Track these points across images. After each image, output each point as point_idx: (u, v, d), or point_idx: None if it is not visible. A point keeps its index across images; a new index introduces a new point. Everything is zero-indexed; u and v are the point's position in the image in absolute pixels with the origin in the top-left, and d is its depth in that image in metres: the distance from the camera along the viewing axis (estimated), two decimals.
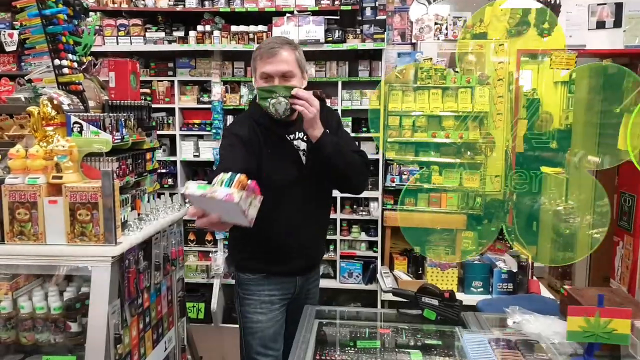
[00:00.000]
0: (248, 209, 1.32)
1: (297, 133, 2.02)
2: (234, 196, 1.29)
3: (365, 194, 4.45)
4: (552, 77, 4.33)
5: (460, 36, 4.51)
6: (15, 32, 4.35)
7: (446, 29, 4.71)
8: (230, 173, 1.36)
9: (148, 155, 2.33)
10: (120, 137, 1.96)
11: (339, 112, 4.42)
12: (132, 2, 4.34)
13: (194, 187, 1.35)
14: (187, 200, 1.51)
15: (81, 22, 2.28)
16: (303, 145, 2.01)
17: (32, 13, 2.05)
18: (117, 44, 4.29)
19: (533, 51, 4.39)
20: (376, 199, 4.48)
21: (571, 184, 4.08)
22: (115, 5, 4.32)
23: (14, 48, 4.46)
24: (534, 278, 4.10)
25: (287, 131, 2.01)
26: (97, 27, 4.29)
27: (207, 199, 1.32)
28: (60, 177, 1.72)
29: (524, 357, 1.57)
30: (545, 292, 3.95)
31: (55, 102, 1.89)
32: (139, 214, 2.05)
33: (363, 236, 4.50)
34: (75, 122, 1.83)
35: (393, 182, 4.44)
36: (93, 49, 2.33)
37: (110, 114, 1.92)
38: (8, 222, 1.73)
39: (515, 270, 4.00)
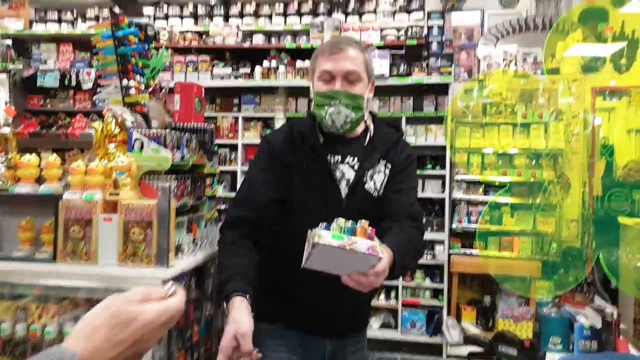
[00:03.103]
0: None
1: (347, 156, 1.57)
2: (377, 249, 1.14)
3: (430, 236, 4.19)
4: (625, 124, 3.97)
5: (531, 72, 4.30)
6: (93, 70, 4.60)
7: (515, 64, 4.50)
8: (350, 222, 1.18)
9: (208, 180, 2.25)
10: (180, 157, 1.89)
11: None
12: (201, 39, 4.48)
13: (328, 237, 1.13)
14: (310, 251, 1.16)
15: (150, 47, 2.30)
16: (350, 174, 1.55)
17: (106, 35, 2.07)
18: (185, 79, 4.42)
19: (610, 88, 4.08)
20: (442, 242, 4.20)
21: None
22: (186, 43, 4.48)
23: (90, 86, 4.70)
24: (621, 338, 3.63)
25: (333, 150, 1.57)
26: (167, 64, 4.45)
27: (341, 250, 1.12)
28: (117, 194, 1.65)
29: None
30: (635, 353, 3.46)
31: (119, 119, 1.86)
32: (194, 239, 1.94)
33: (427, 282, 4.20)
34: (137, 139, 1.78)
35: (461, 222, 4.15)
36: (163, 83, 2.33)
37: (172, 132, 1.87)
38: (62, 240, 1.67)
39: (599, 326, 3.55)
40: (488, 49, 4.46)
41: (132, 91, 2.07)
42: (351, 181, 1.55)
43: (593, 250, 3.78)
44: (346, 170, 1.56)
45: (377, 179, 1.57)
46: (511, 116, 4.14)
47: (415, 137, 4.29)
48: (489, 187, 4.17)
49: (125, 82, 2.04)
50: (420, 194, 4.32)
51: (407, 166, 1.62)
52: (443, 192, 4.27)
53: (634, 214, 3.67)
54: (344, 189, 1.55)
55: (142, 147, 1.78)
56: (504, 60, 4.47)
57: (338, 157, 1.57)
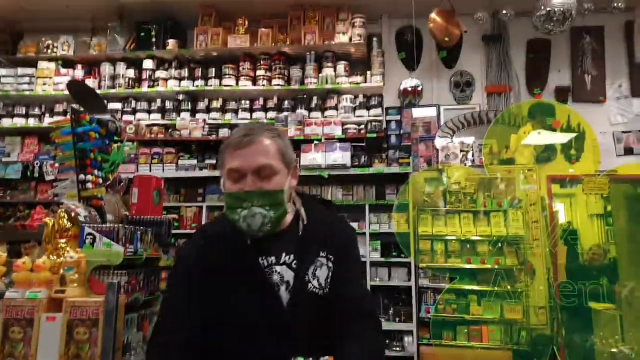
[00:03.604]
0: None
1: (282, 254, 1.36)
2: None
3: (397, 326, 4.11)
4: (585, 209, 4.18)
5: (486, 161, 4.51)
6: (56, 163, 4.59)
7: (472, 155, 4.73)
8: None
9: (163, 274, 2.19)
10: (133, 251, 1.86)
11: (367, 235, 4.28)
12: (167, 132, 4.59)
13: None
14: None
15: (111, 142, 2.34)
16: (289, 275, 1.34)
17: (66, 131, 2.11)
18: (150, 170, 4.45)
19: (563, 176, 4.32)
20: (410, 332, 4.10)
21: (626, 320, 3.70)
22: (152, 135, 4.57)
23: (52, 177, 4.68)
24: None
25: (264, 250, 1.35)
26: (132, 156, 4.50)
27: None
28: (63, 291, 1.59)
29: None
30: None
31: (72, 214, 1.84)
32: (144, 337, 1.85)
33: None
34: (89, 234, 1.75)
35: (428, 312, 4.10)
36: (126, 175, 2.35)
37: (126, 226, 1.85)
38: (0, 341, 1.57)
39: None
40: (445, 140, 4.70)
41: (89, 185, 2.07)
42: (291, 284, 1.33)
43: (563, 338, 3.76)
44: (284, 272, 1.34)
45: (320, 275, 1.35)
46: (470, 204, 4.27)
47: (379, 224, 4.35)
48: (453, 274, 4.18)
49: (82, 176, 2.05)
50: (386, 282, 4.30)
51: (350, 250, 1.43)
52: (409, 279, 4.25)
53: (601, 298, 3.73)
54: (284, 295, 1.32)
55: (93, 242, 1.75)
56: (461, 151, 4.71)
57: (272, 258, 1.35)
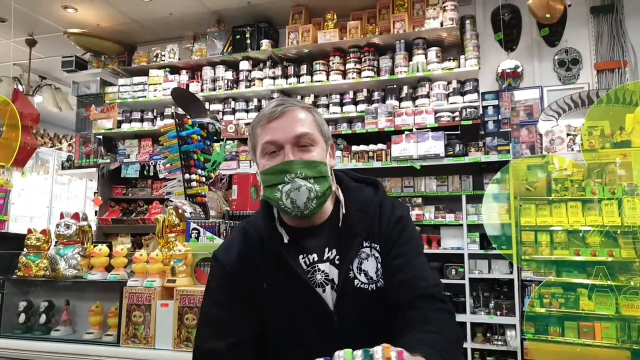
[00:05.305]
0: None
1: (324, 250, 1.22)
2: None
3: (499, 320, 3.96)
4: None
5: (598, 146, 4.15)
6: (166, 164, 5.03)
7: (580, 139, 4.37)
8: (360, 352, 0.82)
9: None
10: None
11: (464, 227, 4.15)
12: None
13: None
14: None
15: (212, 143, 2.53)
16: (333, 273, 1.20)
17: (172, 135, 2.33)
18: (250, 167, 4.70)
19: None
20: (513, 326, 3.93)
21: None
22: None
23: (164, 176, 5.12)
24: None
25: (304, 248, 1.22)
26: (233, 153, 4.78)
27: None
28: (174, 281, 1.78)
29: None
30: None
31: (180, 211, 2.03)
32: None
33: None
34: (194, 229, 1.93)
35: (532, 306, 3.89)
36: (228, 171, 2.54)
37: (226, 221, 2.00)
38: (125, 324, 1.79)
39: None
40: (550, 124, 4.40)
41: (194, 184, 2.27)
42: (337, 283, 1.19)
43: None
44: (328, 269, 1.20)
45: (367, 268, 1.20)
46: (579, 192, 3.96)
47: (477, 215, 4.20)
48: (561, 267, 3.92)
49: (187, 176, 2.25)
50: (486, 275, 4.15)
51: (399, 233, 1.23)
52: (511, 272, 4.07)
53: None
54: (330, 295, 1.19)
55: (198, 236, 1.92)
56: (568, 135, 4.38)
57: (313, 256, 1.21)
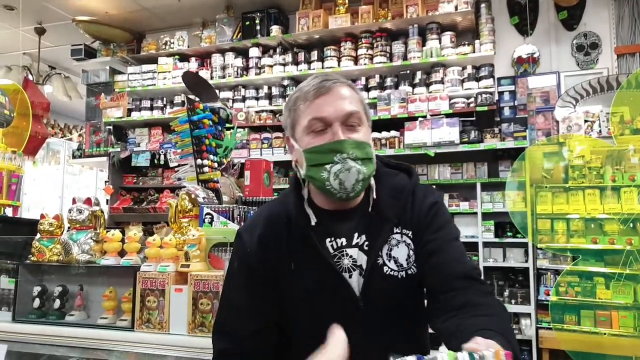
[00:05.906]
0: None
1: (353, 235, 1.17)
2: None
3: (514, 308, 3.90)
4: None
5: (617, 132, 4.05)
6: (178, 149, 5.00)
7: (599, 126, 4.28)
8: (464, 354, 0.72)
9: None
10: None
11: (479, 215, 4.09)
12: (275, 117, 4.76)
13: None
14: None
15: (224, 128, 2.49)
16: (362, 259, 1.15)
17: (183, 120, 2.29)
18: (261, 155, 4.66)
19: None
20: (528, 315, 3.88)
21: None
22: (261, 122, 4.77)
23: (175, 164, 5.09)
24: None
25: (333, 231, 1.17)
26: (244, 141, 4.74)
27: None
28: (188, 266, 1.74)
29: None
30: None
31: (192, 196, 1.99)
32: None
33: None
34: (207, 214, 1.89)
35: (548, 294, 3.83)
36: (239, 159, 2.50)
37: (240, 206, 1.96)
38: (139, 309, 1.77)
39: None
40: (567, 110, 4.30)
41: (206, 169, 2.23)
42: (365, 269, 1.14)
43: None
44: (356, 255, 1.16)
45: (398, 255, 1.16)
46: (597, 180, 3.88)
47: (492, 203, 4.13)
48: (577, 256, 3.85)
49: (199, 161, 2.21)
50: (501, 263, 4.10)
51: (433, 218, 1.18)
52: (526, 261, 4.01)
53: None
54: (358, 282, 1.14)
55: (211, 221, 1.88)
56: (585, 121, 4.28)
57: (342, 240, 1.17)
